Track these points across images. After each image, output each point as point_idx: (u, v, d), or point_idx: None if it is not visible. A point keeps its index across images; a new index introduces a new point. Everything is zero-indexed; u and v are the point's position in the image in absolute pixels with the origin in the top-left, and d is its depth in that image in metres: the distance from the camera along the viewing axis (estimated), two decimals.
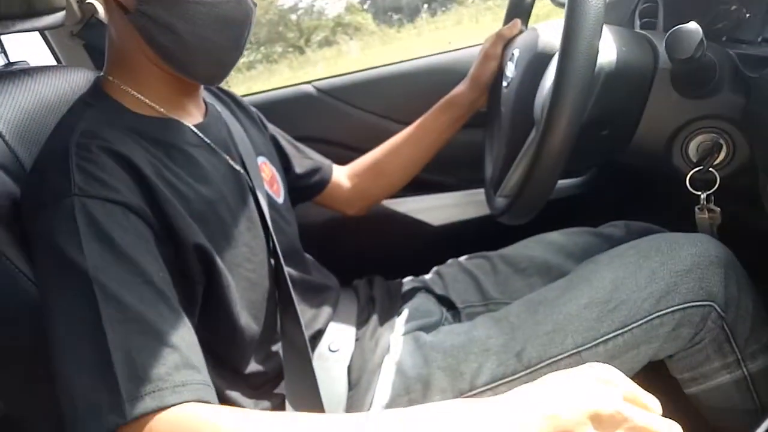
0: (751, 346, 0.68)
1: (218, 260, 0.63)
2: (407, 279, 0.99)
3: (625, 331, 0.67)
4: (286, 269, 0.76)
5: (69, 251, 0.51)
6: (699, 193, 0.70)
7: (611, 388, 0.43)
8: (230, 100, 0.88)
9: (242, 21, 0.65)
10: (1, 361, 0.59)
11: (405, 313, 0.85)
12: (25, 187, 0.59)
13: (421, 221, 1.23)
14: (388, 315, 0.85)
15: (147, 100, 0.66)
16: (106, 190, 0.55)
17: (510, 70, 0.82)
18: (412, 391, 0.70)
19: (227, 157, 0.72)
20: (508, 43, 0.92)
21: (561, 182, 0.67)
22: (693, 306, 0.66)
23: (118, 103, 0.65)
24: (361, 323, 0.84)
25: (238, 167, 0.73)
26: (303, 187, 0.97)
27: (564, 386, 0.43)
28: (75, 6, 1.00)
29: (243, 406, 0.67)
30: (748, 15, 0.73)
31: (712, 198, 0.71)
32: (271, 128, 0.96)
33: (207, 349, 0.55)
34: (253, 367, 0.70)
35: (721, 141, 0.68)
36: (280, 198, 0.84)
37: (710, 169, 0.68)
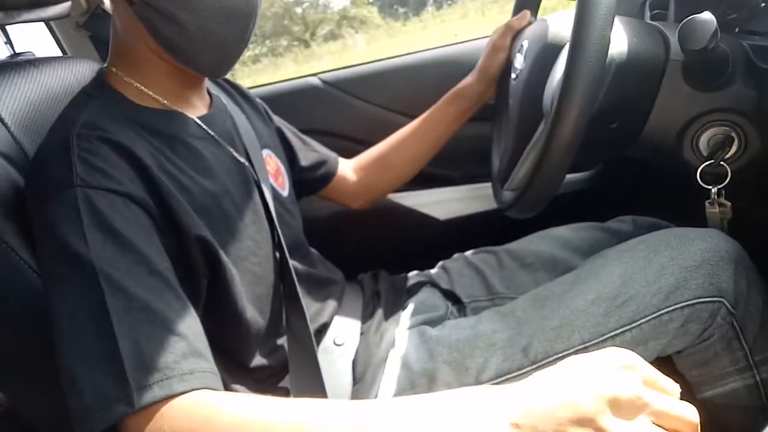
0: (760, 344, 0.68)
1: (222, 254, 0.63)
2: (412, 273, 0.98)
3: (633, 327, 0.66)
4: (291, 263, 0.76)
5: (73, 242, 0.51)
6: (709, 187, 0.69)
7: (630, 373, 0.42)
8: (236, 92, 0.88)
9: (247, 13, 0.64)
10: (4, 352, 0.59)
11: (410, 307, 0.85)
12: (27, 178, 0.59)
13: (426, 215, 1.23)
14: (393, 309, 0.85)
15: (150, 92, 0.66)
16: (108, 180, 0.54)
17: (519, 61, 0.81)
18: (417, 385, 0.69)
19: (231, 150, 0.72)
20: (516, 34, 0.91)
21: (568, 177, 0.66)
22: (702, 302, 0.65)
23: (120, 95, 0.65)
24: (366, 317, 0.84)
25: (242, 160, 0.73)
26: (308, 180, 0.97)
27: (582, 372, 0.42)
28: None
29: None
30: (763, 4, 0.72)
31: (723, 192, 0.70)
32: (277, 120, 0.96)
33: (212, 343, 0.55)
34: (258, 360, 0.70)
35: (733, 134, 0.67)
36: (284, 191, 0.84)
37: (721, 162, 0.67)
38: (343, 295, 0.87)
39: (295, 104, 1.24)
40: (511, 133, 0.83)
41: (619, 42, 0.66)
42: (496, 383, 0.67)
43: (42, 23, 1.08)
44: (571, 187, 1.22)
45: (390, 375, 0.71)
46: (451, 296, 0.91)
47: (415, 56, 1.27)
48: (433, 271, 0.99)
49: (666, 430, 0.40)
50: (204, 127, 0.69)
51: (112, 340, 0.47)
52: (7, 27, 0.89)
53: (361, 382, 0.72)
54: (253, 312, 0.68)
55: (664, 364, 0.70)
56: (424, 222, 1.22)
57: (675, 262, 0.66)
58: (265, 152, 0.82)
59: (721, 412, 0.71)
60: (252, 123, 0.83)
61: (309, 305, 0.78)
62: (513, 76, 0.83)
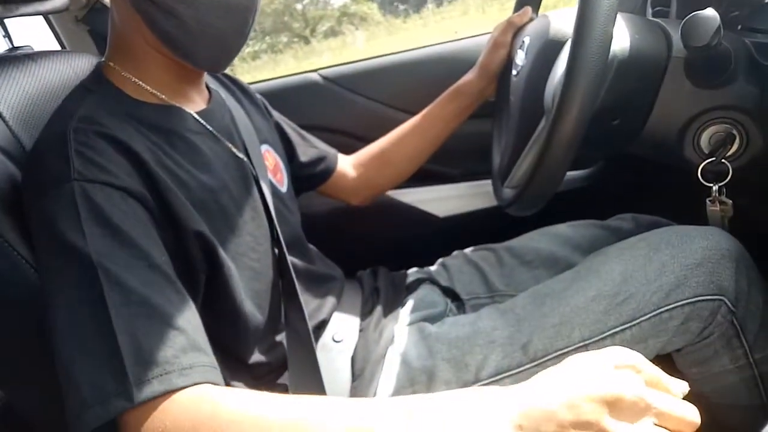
0: (760, 342, 0.67)
1: (220, 249, 0.63)
2: (412, 270, 0.98)
3: (633, 325, 0.66)
4: (290, 259, 0.75)
5: (70, 236, 0.51)
6: (711, 185, 0.69)
7: (633, 374, 0.41)
8: (235, 87, 0.87)
9: (247, 7, 0.63)
10: (1, 349, 0.59)
11: (409, 304, 0.85)
12: (24, 172, 0.59)
13: (426, 212, 1.23)
14: (392, 306, 0.85)
15: (148, 87, 0.65)
16: (105, 174, 0.54)
17: (520, 58, 0.81)
18: (417, 382, 0.69)
19: (230, 145, 0.71)
20: (518, 31, 0.91)
21: (568, 174, 0.66)
22: (703, 300, 0.65)
23: (118, 90, 0.64)
24: (365, 314, 0.83)
25: (241, 155, 0.72)
26: (308, 176, 0.96)
27: (584, 372, 0.41)
28: None
29: None
30: (766, 1, 0.72)
31: (724, 190, 0.70)
32: (276, 116, 0.95)
33: (211, 339, 0.54)
34: (257, 357, 0.70)
35: (735, 132, 0.66)
36: (283, 187, 0.84)
37: (723, 160, 0.67)
38: (342, 292, 0.86)
39: (294, 100, 1.24)
40: (512, 130, 0.83)
41: (621, 38, 0.66)
42: (496, 380, 0.67)
43: (41, 17, 1.07)
44: (572, 184, 1.22)
45: (389, 372, 0.71)
46: (450, 293, 0.91)
47: (416, 53, 1.27)
48: (432, 268, 0.98)
49: (668, 430, 0.40)
50: (202, 122, 0.69)
51: (110, 334, 0.47)
52: (6, 20, 0.89)
53: (360, 379, 0.72)
54: (252, 308, 0.68)
55: (664, 362, 0.70)
56: (423, 219, 1.22)
57: (676, 260, 0.66)
58: (264, 148, 0.81)
59: (720, 410, 0.71)
60: (251, 118, 0.82)
61: (308, 302, 0.77)
62: (514, 72, 0.83)
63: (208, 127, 0.69)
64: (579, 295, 0.68)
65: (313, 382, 0.68)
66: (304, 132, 0.99)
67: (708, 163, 0.68)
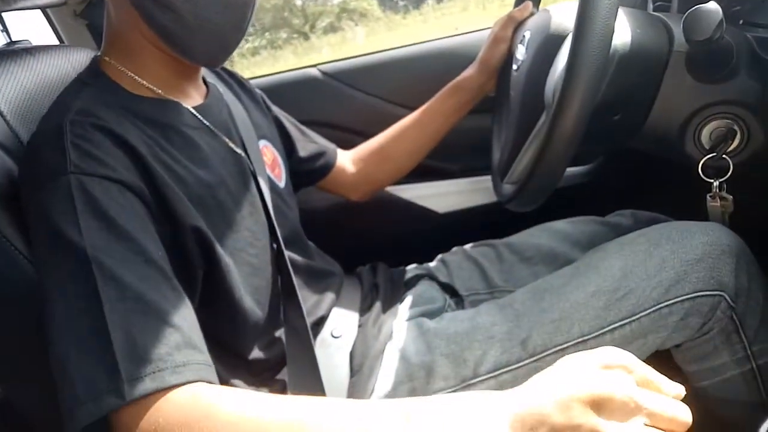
0: (760, 338, 0.67)
1: (217, 245, 0.62)
2: (411, 266, 0.98)
3: (633, 320, 0.66)
4: (289, 254, 0.75)
5: (66, 230, 0.50)
6: (711, 180, 0.69)
7: (624, 374, 0.42)
8: (233, 81, 0.87)
9: (245, 2, 0.63)
10: (0, 344, 0.59)
11: (408, 299, 0.85)
12: (21, 165, 0.58)
13: (425, 208, 1.22)
14: (391, 302, 0.85)
15: (144, 82, 0.65)
16: (102, 167, 0.54)
17: (521, 52, 0.80)
18: (415, 378, 0.69)
19: (227, 140, 0.71)
20: (518, 25, 0.91)
21: (568, 170, 0.66)
22: (703, 295, 0.65)
23: (115, 83, 0.64)
24: (364, 310, 0.83)
25: (238, 150, 0.72)
26: (307, 171, 0.96)
27: (575, 373, 0.42)
28: None
29: None
30: None
31: (725, 186, 0.69)
32: (276, 110, 0.95)
33: (209, 335, 0.54)
34: (256, 353, 0.70)
35: (736, 127, 0.66)
36: (281, 182, 0.83)
37: (723, 156, 0.67)
38: (341, 288, 0.86)
39: (294, 95, 1.23)
40: (512, 125, 0.82)
41: (623, 33, 0.66)
42: (495, 376, 0.67)
43: (39, 11, 1.07)
44: (572, 180, 1.22)
45: (387, 367, 0.71)
46: (449, 289, 0.91)
47: (416, 48, 1.26)
48: (431, 264, 0.98)
49: (660, 430, 0.40)
50: (199, 117, 0.68)
51: (104, 330, 0.47)
52: (4, 14, 0.88)
53: (359, 375, 0.71)
54: (251, 304, 0.67)
55: (663, 357, 0.70)
56: (423, 215, 1.22)
57: (676, 255, 0.66)
58: (262, 143, 0.81)
59: (719, 405, 0.71)
60: (249, 113, 0.82)
61: (307, 297, 0.77)
62: (515, 67, 0.83)
63: (205, 122, 0.69)
64: (578, 291, 0.68)
65: (311, 378, 0.68)
66: (303, 127, 0.98)
67: (709, 158, 0.67)
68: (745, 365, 0.68)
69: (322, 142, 0.99)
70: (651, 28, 0.68)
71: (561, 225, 0.95)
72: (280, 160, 0.85)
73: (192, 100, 0.70)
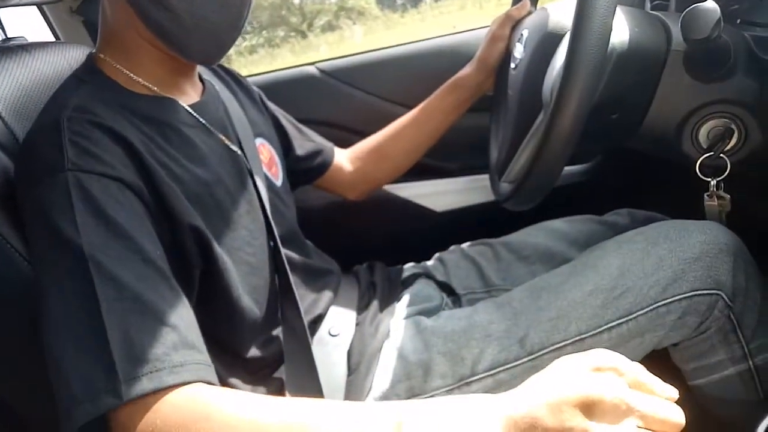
0: (757, 337, 0.67)
1: (215, 243, 0.62)
2: (408, 265, 0.98)
3: (630, 319, 0.66)
4: (287, 253, 0.75)
5: (63, 228, 0.50)
6: (709, 179, 0.69)
7: (615, 376, 0.42)
8: (230, 79, 0.87)
9: (241, 0, 0.63)
10: None
11: (405, 298, 0.85)
12: (17, 162, 0.58)
13: (423, 207, 1.22)
14: (388, 300, 0.85)
15: (140, 80, 0.64)
16: (100, 165, 0.53)
17: (519, 51, 0.80)
18: (413, 376, 0.69)
19: (223, 138, 0.70)
20: (516, 24, 0.91)
21: (566, 169, 0.66)
22: (700, 294, 0.65)
23: (111, 81, 0.64)
24: (361, 308, 0.83)
25: (235, 148, 0.72)
26: (304, 170, 0.96)
27: (567, 376, 0.42)
28: None
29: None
30: None
31: (722, 185, 0.69)
32: (273, 108, 0.95)
33: (206, 334, 0.54)
34: (253, 352, 0.70)
35: (733, 126, 0.66)
36: (278, 181, 0.83)
37: (721, 155, 0.67)
38: (339, 286, 0.86)
39: (291, 93, 1.23)
40: (510, 124, 0.82)
41: (621, 31, 0.66)
42: (492, 374, 0.67)
43: (35, 7, 1.06)
44: (569, 179, 1.22)
45: (385, 366, 0.71)
46: (446, 288, 0.91)
47: (414, 46, 1.26)
48: (429, 262, 0.98)
49: None
50: (195, 115, 0.68)
51: (101, 329, 0.46)
52: None
53: (356, 373, 0.71)
54: (249, 303, 0.67)
55: (660, 356, 0.70)
56: (420, 213, 1.22)
57: (673, 254, 0.66)
58: (259, 141, 0.81)
59: (716, 404, 0.71)
60: (245, 111, 0.82)
61: (304, 296, 0.77)
62: (512, 65, 0.83)
63: (201, 120, 0.68)
64: (576, 289, 0.68)
65: (308, 377, 0.68)
66: (300, 125, 0.98)
67: (706, 157, 0.67)
68: (742, 364, 0.68)
69: (320, 141, 0.99)
70: (649, 26, 0.68)
71: (558, 224, 0.95)
72: (277, 159, 0.85)
73: (188, 97, 0.70)
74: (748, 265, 0.67)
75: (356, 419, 0.44)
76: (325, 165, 0.98)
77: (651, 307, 0.65)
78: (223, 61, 0.78)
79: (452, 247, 1.00)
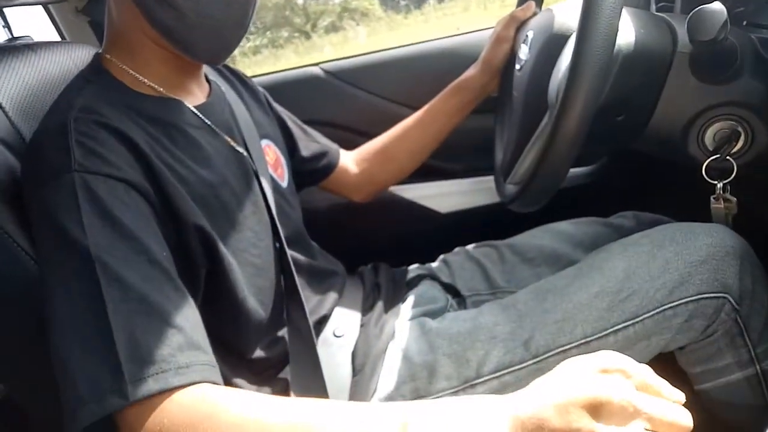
0: (764, 341, 0.67)
1: (221, 244, 0.62)
2: (413, 266, 0.98)
3: (637, 322, 0.66)
4: (292, 254, 0.75)
5: (70, 229, 0.50)
6: (715, 182, 0.69)
7: (622, 378, 0.41)
8: (236, 80, 0.87)
9: None
10: (1, 341, 0.59)
11: (410, 299, 0.85)
12: (24, 162, 0.58)
13: (428, 208, 1.22)
14: (393, 301, 0.85)
15: (146, 80, 0.64)
16: (107, 166, 0.54)
17: (524, 52, 0.80)
18: (418, 378, 0.69)
19: (229, 139, 0.70)
20: (521, 25, 0.90)
21: (571, 171, 0.66)
22: (707, 297, 0.65)
23: (117, 81, 0.64)
24: (366, 309, 0.83)
25: (240, 149, 0.72)
26: (309, 171, 0.96)
27: (574, 378, 0.42)
28: None
29: None
30: None
31: (729, 187, 0.69)
32: (279, 109, 0.95)
33: (211, 335, 0.54)
34: (258, 353, 0.70)
35: (740, 129, 0.66)
36: (284, 182, 0.83)
37: (727, 157, 0.66)
38: (344, 288, 0.86)
39: (296, 94, 1.23)
40: (515, 125, 0.82)
41: (627, 33, 0.66)
42: (498, 376, 0.67)
43: (40, 7, 1.06)
44: (574, 181, 1.21)
45: (390, 367, 0.71)
46: (451, 290, 0.90)
47: (418, 47, 1.26)
48: (434, 264, 0.98)
49: None
50: (200, 116, 0.68)
51: (107, 330, 0.46)
52: (6, 10, 0.88)
53: (361, 374, 0.71)
54: (255, 304, 0.67)
55: (667, 359, 0.70)
56: (425, 215, 1.22)
57: (680, 257, 0.66)
58: (264, 142, 0.81)
59: (722, 408, 0.71)
60: (251, 112, 0.82)
61: (309, 297, 0.77)
62: (517, 67, 0.82)
63: (207, 121, 0.68)
64: (582, 292, 0.68)
65: (314, 377, 0.68)
66: (306, 126, 0.98)
67: (712, 160, 0.67)
68: (749, 368, 0.68)
69: (325, 142, 0.99)
70: (655, 28, 0.68)
71: (563, 226, 0.95)
72: (282, 160, 0.85)
73: (195, 98, 0.70)
74: (754, 268, 0.67)
75: (361, 419, 0.44)
76: (331, 166, 0.98)
77: (657, 310, 0.65)
78: (227, 62, 0.78)
79: (457, 249, 1.00)
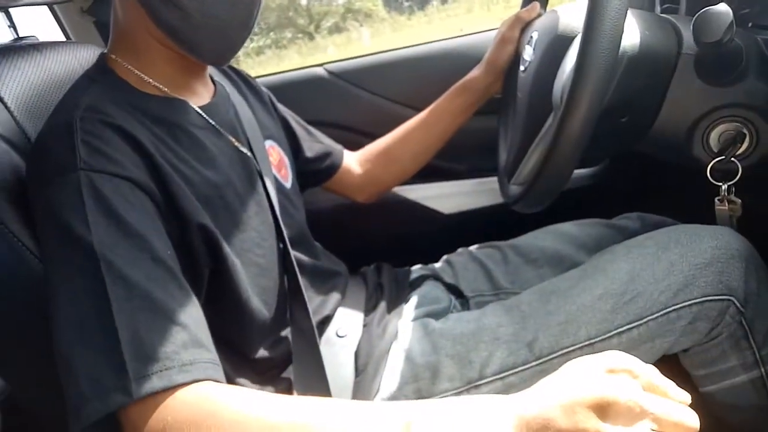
0: None
1: (224, 244, 0.62)
2: (416, 267, 0.98)
3: (641, 324, 0.66)
4: (296, 254, 0.75)
5: (75, 227, 0.50)
6: (719, 184, 0.68)
7: (629, 378, 0.41)
8: (240, 80, 0.87)
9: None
10: (6, 339, 0.59)
11: (413, 300, 0.84)
12: (29, 161, 0.58)
13: (431, 209, 1.22)
14: (396, 302, 0.85)
15: (151, 80, 0.65)
16: (112, 164, 0.54)
17: (528, 53, 0.80)
18: (420, 378, 0.69)
19: (233, 140, 0.71)
20: (526, 26, 0.90)
21: (574, 172, 0.65)
22: (711, 300, 0.64)
23: (122, 81, 0.64)
24: (369, 309, 0.83)
25: (244, 150, 0.72)
26: (313, 172, 0.96)
27: (581, 378, 0.41)
28: None
29: None
30: None
31: (733, 189, 0.69)
32: (283, 110, 0.95)
33: (215, 334, 0.54)
34: (262, 352, 0.70)
35: (745, 130, 0.66)
36: (288, 182, 0.83)
37: (732, 159, 0.66)
38: (347, 288, 0.86)
39: (299, 95, 1.23)
40: (519, 127, 0.82)
41: (632, 34, 0.66)
42: (501, 378, 0.67)
43: (46, 8, 1.07)
44: (578, 182, 1.21)
45: (392, 367, 0.71)
46: (454, 290, 0.90)
47: (422, 48, 1.26)
48: (437, 265, 0.98)
49: None
50: (205, 116, 0.68)
51: (111, 328, 0.47)
52: (11, 10, 0.88)
53: (363, 374, 0.71)
54: (258, 304, 0.67)
55: (671, 362, 0.70)
56: (428, 216, 1.22)
57: (684, 259, 0.66)
58: (268, 143, 0.81)
59: (726, 410, 0.71)
60: (255, 113, 0.82)
61: (312, 297, 0.77)
62: (522, 68, 0.82)
63: (211, 121, 0.68)
64: (586, 294, 0.68)
65: (316, 377, 0.68)
66: (310, 127, 0.98)
67: (717, 161, 0.67)
68: (753, 370, 0.67)
69: (329, 143, 0.99)
70: (660, 30, 0.68)
71: (567, 227, 0.95)
72: (286, 161, 0.85)
73: (200, 98, 0.70)
74: (759, 271, 0.67)
75: (365, 418, 0.44)
76: (334, 167, 0.98)
77: (661, 313, 0.65)
78: (231, 63, 0.78)
79: (460, 250, 1.00)
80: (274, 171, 0.79)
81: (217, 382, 0.49)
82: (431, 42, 1.26)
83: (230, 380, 0.64)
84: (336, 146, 0.99)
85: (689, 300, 0.64)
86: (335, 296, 0.81)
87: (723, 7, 0.57)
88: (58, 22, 1.10)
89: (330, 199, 1.08)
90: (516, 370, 0.67)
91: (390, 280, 0.90)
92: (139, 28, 0.63)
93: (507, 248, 0.94)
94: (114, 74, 0.64)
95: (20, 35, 0.86)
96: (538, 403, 0.41)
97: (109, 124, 0.56)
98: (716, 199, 0.70)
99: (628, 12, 0.63)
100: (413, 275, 0.94)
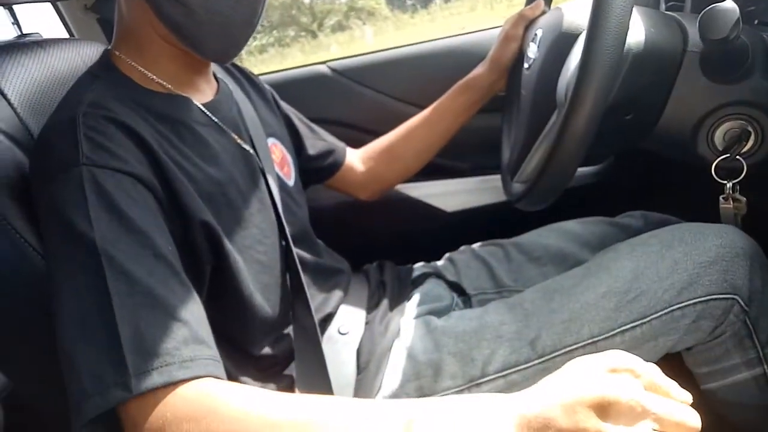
0: None
1: (226, 241, 0.62)
2: (418, 265, 0.98)
3: (644, 322, 0.65)
4: (298, 252, 0.75)
5: (77, 222, 0.50)
6: (724, 182, 0.68)
7: (631, 378, 0.41)
8: (243, 78, 0.87)
9: None
10: (8, 335, 0.59)
11: (415, 297, 0.84)
12: (32, 157, 0.58)
13: (434, 207, 1.22)
14: (398, 299, 0.85)
15: (155, 77, 0.65)
16: (114, 160, 0.54)
17: (532, 51, 0.80)
18: (422, 376, 0.69)
19: (236, 137, 0.71)
20: (530, 23, 0.90)
21: (578, 170, 0.65)
22: (715, 298, 0.64)
23: (126, 77, 0.64)
24: (371, 307, 0.83)
25: (247, 147, 0.72)
26: (316, 169, 0.96)
27: (582, 377, 0.41)
28: None
29: None
30: None
31: (738, 187, 0.69)
32: (285, 107, 0.95)
33: (217, 331, 0.54)
34: (264, 350, 0.70)
35: (750, 128, 0.65)
36: (290, 180, 0.83)
37: (737, 157, 0.66)
38: (349, 285, 0.86)
39: (302, 92, 1.23)
40: (523, 124, 0.82)
41: (637, 31, 0.65)
42: (503, 375, 0.67)
43: (49, 4, 1.07)
44: (582, 180, 1.21)
45: (394, 365, 0.71)
46: (456, 288, 0.90)
47: (426, 45, 1.26)
48: (439, 262, 0.98)
49: None
50: (208, 113, 0.68)
51: (112, 324, 0.47)
52: (15, 7, 0.89)
53: (366, 372, 0.71)
54: (261, 301, 0.67)
55: (674, 360, 0.70)
56: (431, 213, 1.21)
57: (688, 257, 0.65)
58: (271, 141, 0.81)
59: (730, 409, 0.70)
60: (258, 111, 0.82)
61: (315, 295, 0.77)
62: (526, 65, 0.82)
63: (214, 118, 0.68)
64: (589, 292, 0.68)
65: (318, 375, 0.68)
66: (313, 125, 0.98)
67: (722, 159, 0.67)
68: (756, 368, 0.67)
69: (331, 140, 0.99)
70: (665, 27, 0.68)
71: (570, 225, 0.95)
72: (289, 158, 0.85)
73: (203, 95, 0.70)
74: (764, 269, 0.66)
75: (366, 416, 0.44)
76: (337, 165, 0.98)
77: (665, 311, 0.65)
78: (234, 60, 0.78)
79: (463, 247, 1.00)
80: (277, 168, 0.79)
81: (218, 378, 0.49)
82: (434, 40, 1.26)
83: (232, 377, 0.64)
84: (339, 144, 0.99)
85: (693, 298, 0.64)
86: (337, 294, 0.81)
87: (729, 4, 0.57)
88: (61, 19, 1.10)
89: (333, 196, 1.08)
90: (518, 368, 0.66)
91: (392, 277, 0.90)
92: (142, 25, 0.63)
93: (510, 246, 0.94)
94: (117, 71, 0.64)
95: (24, 32, 0.86)
96: (539, 402, 0.41)
97: (112, 120, 0.56)
98: (721, 197, 0.70)
99: (634, 9, 0.63)
100: (416, 273, 0.94)
